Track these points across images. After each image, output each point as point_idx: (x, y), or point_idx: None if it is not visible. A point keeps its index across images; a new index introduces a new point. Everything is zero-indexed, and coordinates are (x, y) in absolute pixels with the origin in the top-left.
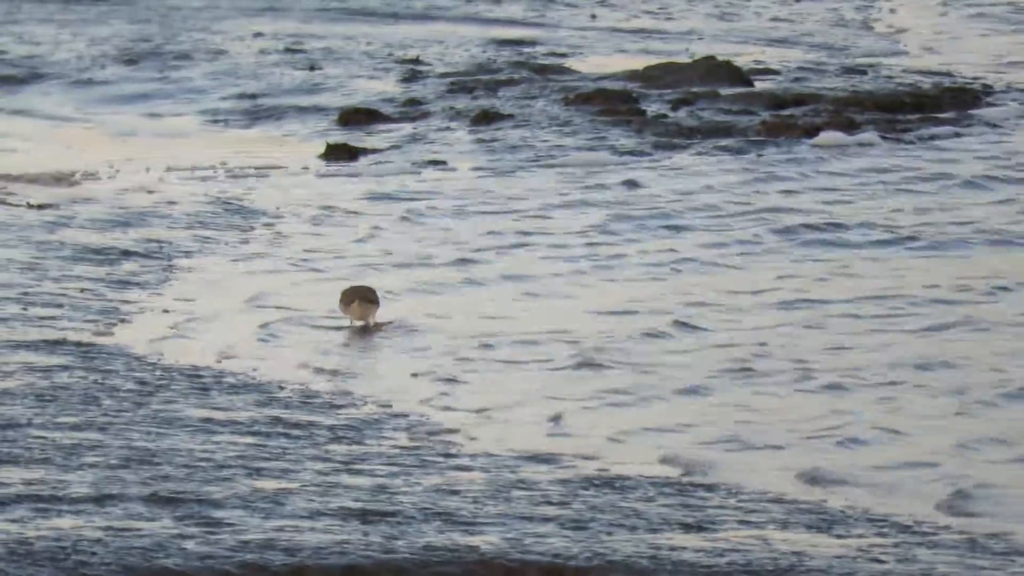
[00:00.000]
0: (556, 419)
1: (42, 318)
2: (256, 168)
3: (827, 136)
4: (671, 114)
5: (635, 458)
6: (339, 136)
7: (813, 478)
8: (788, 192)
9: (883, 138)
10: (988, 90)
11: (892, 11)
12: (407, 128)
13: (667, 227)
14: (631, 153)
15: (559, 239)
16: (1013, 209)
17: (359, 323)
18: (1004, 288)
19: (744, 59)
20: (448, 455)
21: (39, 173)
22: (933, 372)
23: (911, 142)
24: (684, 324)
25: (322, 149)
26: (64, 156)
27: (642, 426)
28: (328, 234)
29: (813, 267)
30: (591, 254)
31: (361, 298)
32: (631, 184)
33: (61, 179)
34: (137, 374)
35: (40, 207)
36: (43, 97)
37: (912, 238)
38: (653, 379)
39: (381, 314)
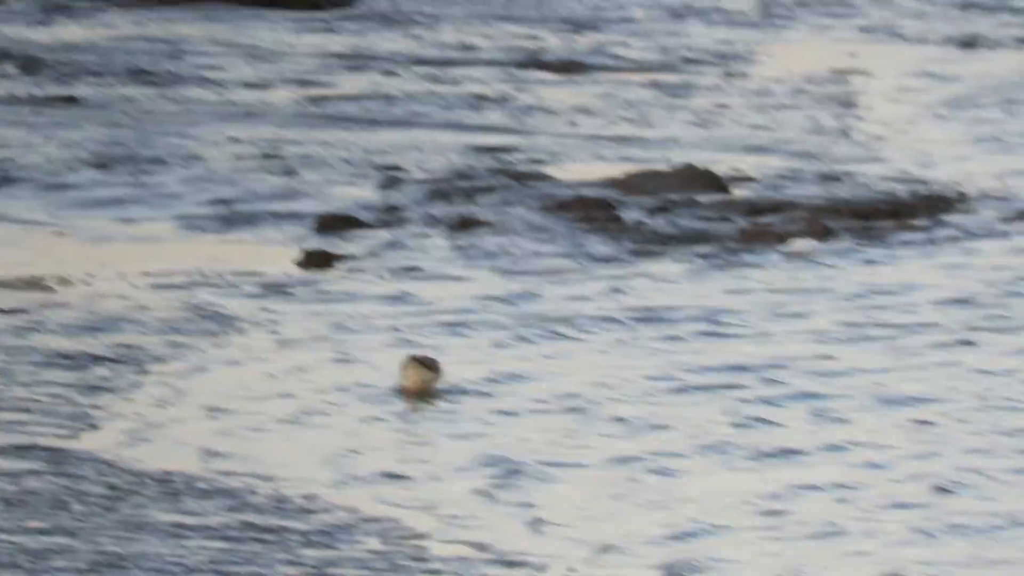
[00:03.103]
0: (536, 521)
1: (11, 423)
2: (231, 274)
3: (798, 244)
4: (649, 221)
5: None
6: (316, 243)
7: None
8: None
9: (856, 246)
10: (963, 197)
11: (869, 118)
12: (385, 235)
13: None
14: (607, 260)
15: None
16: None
17: (413, 387)
18: None
19: (722, 166)
20: (420, 559)
21: (9, 278)
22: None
23: (878, 251)
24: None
25: (298, 255)
26: (35, 261)
27: (631, 528)
28: (301, 341)
29: None
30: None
31: (420, 363)
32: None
33: (32, 284)
34: (107, 479)
35: (10, 312)
36: (13, 201)
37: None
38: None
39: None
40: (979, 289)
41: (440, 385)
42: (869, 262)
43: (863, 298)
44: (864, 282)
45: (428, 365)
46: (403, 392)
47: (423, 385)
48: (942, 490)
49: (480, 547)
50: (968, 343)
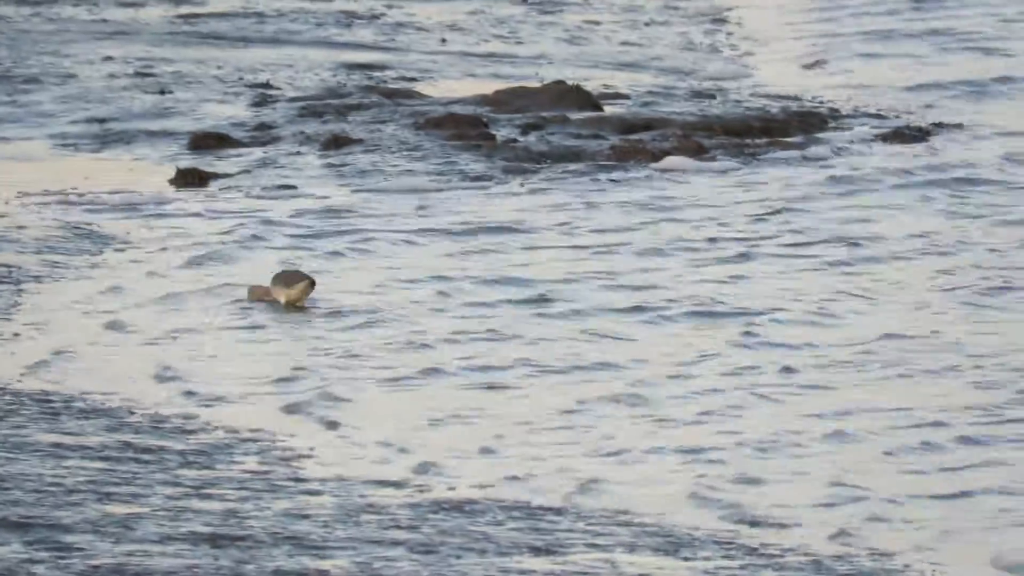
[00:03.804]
0: (406, 446)
1: None
2: (106, 193)
3: (671, 161)
4: (521, 139)
5: (484, 481)
6: (189, 161)
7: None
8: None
9: (726, 163)
10: (835, 114)
11: (741, 36)
12: (257, 153)
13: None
14: (480, 178)
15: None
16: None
17: (291, 302)
18: None
19: (594, 83)
20: (298, 479)
21: None
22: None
23: (756, 166)
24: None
25: (172, 174)
26: None
27: (494, 449)
28: (175, 259)
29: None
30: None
31: (291, 277)
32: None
33: None
34: None
35: None
36: None
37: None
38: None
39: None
40: (811, 205)
41: (311, 297)
42: (736, 179)
43: (699, 211)
44: (719, 197)
45: (299, 279)
46: (275, 305)
47: (294, 299)
48: (630, 398)
49: (356, 468)
50: (775, 254)
